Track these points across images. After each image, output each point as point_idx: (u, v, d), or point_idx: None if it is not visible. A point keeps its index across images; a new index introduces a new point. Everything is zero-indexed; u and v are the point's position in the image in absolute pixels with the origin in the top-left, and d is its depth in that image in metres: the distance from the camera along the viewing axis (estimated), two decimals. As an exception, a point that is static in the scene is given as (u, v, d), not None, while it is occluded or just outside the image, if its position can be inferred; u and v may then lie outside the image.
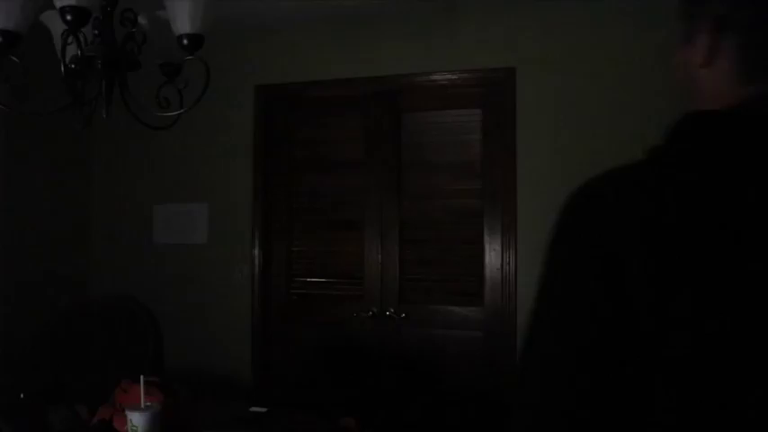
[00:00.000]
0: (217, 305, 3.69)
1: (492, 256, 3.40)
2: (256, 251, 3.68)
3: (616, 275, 0.66)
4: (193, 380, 2.40)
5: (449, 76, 3.41)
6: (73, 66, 1.66)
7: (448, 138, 3.50)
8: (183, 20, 1.70)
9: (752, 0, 0.73)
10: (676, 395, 0.65)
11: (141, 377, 1.78)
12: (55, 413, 1.89)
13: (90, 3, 1.53)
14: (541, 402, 0.70)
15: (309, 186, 3.73)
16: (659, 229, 0.66)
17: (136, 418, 1.68)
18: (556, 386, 0.69)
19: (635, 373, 0.66)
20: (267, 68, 3.66)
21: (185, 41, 1.72)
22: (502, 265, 3.32)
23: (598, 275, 0.68)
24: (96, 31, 1.70)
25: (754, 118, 0.72)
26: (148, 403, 1.74)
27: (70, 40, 1.56)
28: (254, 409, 2.23)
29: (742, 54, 0.75)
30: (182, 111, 1.82)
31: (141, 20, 1.77)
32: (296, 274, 3.74)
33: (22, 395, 2.09)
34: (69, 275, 3.75)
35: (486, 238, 3.42)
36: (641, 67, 3.10)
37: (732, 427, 0.65)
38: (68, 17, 1.51)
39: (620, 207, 0.70)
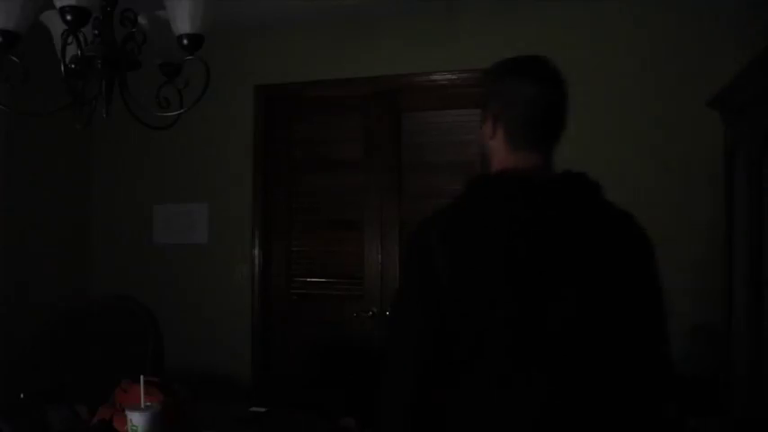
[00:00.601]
0: (217, 305, 3.69)
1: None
2: (256, 251, 3.68)
3: (430, 263, 1.22)
4: (193, 380, 2.40)
5: (449, 76, 3.41)
6: (73, 66, 1.66)
7: (448, 138, 3.50)
8: (183, 20, 1.70)
9: (511, 107, 1.35)
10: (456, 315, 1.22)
11: (141, 377, 1.78)
12: (55, 413, 1.88)
13: (90, 3, 1.53)
14: (398, 335, 1.30)
15: (309, 186, 3.73)
16: (448, 241, 1.23)
17: (136, 418, 1.68)
18: (403, 324, 1.29)
19: (442, 310, 1.21)
20: (267, 68, 3.66)
21: (185, 41, 1.71)
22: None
23: (421, 264, 1.25)
24: (96, 31, 1.70)
25: (512, 176, 1.30)
26: (148, 403, 1.74)
27: (70, 40, 1.56)
28: (254, 409, 2.23)
29: (507, 135, 1.34)
30: (182, 111, 1.82)
31: (141, 20, 1.77)
32: (296, 274, 3.74)
33: (22, 395, 2.09)
34: (69, 275, 3.75)
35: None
36: (640, 66, 3.10)
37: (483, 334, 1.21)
38: (68, 17, 1.51)
39: (432, 233, 1.25)
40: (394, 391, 1.25)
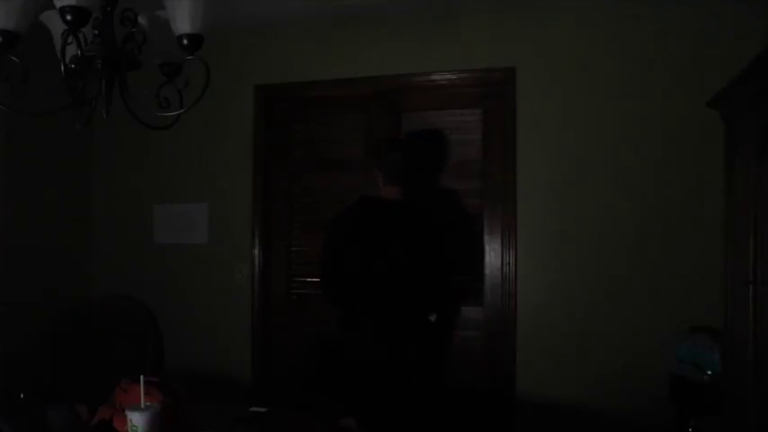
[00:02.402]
0: (217, 305, 3.69)
1: (492, 256, 3.40)
2: (256, 251, 3.68)
3: (340, 231, 2.89)
4: (193, 380, 2.40)
5: (449, 76, 3.42)
6: (73, 66, 1.66)
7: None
8: (183, 20, 1.70)
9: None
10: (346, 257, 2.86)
11: (141, 377, 1.78)
12: (55, 413, 1.88)
13: (90, 3, 1.53)
14: (321, 263, 2.93)
15: (309, 186, 3.73)
16: (345, 221, 2.90)
17: (136, 418, 1.68)
18: (324, 258, 2.91)
19: (343, 252, 2.85)
20: (267, 68, 3.67)
21: (185, 41, 1.71)
22: (502, 265, 3.32)
23: (337, 232, 2.90)
24: (96, 31, 1.69)
25: (380, 197, 2.89)
26: (148, 403, 1.74)
27: (70, 40, 1.56)
28: (254, 409, 2.23)
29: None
30: (182, 111, 1.82)
31: (141, 20, 1.77)
32: (296, 274, 3.74)
33: (22, 395, 2.09)
34: (69, 275, 3.75)
35: (486, 238, 3.42)
36: (640, 66, 3.10)
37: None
38: (68, 17, 1.51)
39: (342, 216, 2.94)
40: (323, 272, 2.90)
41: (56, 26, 1.67)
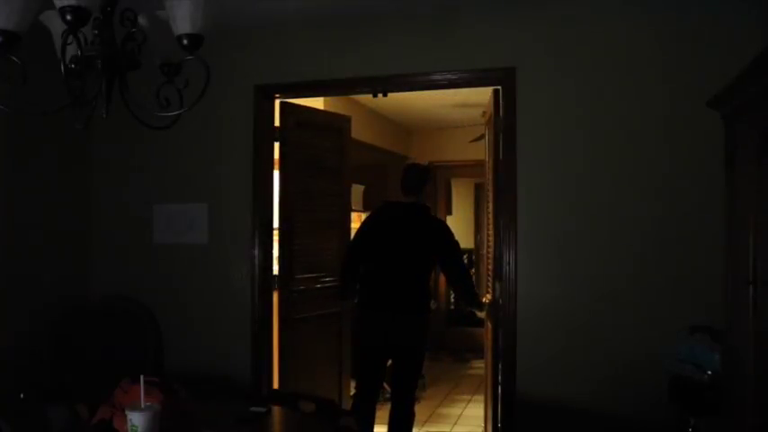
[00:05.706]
0: (217, 305, 3.69)
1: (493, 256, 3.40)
2: (256, 251, 3.67)
3: (362, 228, 3.68)
4: (193, 380, 2.40)
5: (449, 76, 3.41)
6: (73, 66, 1.66)
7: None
8: (183, 20, 1.70)
9: (403, 179, 3.66)
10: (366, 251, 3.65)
11: (141, 377, 1.78)
12: (55, 413, 1.88)
13: (90, 3, 1.53)
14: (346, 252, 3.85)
15: (309, 187, 3.73)
16: (368, 222, 3.68)
17: (136, 418, 1.68)
18: (349, 248, 3.83)
19: (364, 248, 3.63)
20: (267, 68, 3.66)
21: (185, 41, 1.71)
22: (502, 264, 3.32)
23: (360, 229, 3.70)
24: (96, 31, 1.69)
25: (398, 202, 3.69)
26: (148, 403, 1.75)
27: (70, 40, 1.56)
28: (254, 409, 2.23)
29: (401, 188, 3.65)
30: (182, 111, 1.82)
31: (141, 20, 1.77)
32: (296, 272, 3.75)
33: (22, 395, 2.09)
34: (69, 275, 3.75)
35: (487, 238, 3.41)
36: (640, 65, 3.10)
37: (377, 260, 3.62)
38: (68, 17, 1.51)
39: (366, 219, 3.74)
40: (344, 261, 3.66)
41: (56, 26, 1.67)
